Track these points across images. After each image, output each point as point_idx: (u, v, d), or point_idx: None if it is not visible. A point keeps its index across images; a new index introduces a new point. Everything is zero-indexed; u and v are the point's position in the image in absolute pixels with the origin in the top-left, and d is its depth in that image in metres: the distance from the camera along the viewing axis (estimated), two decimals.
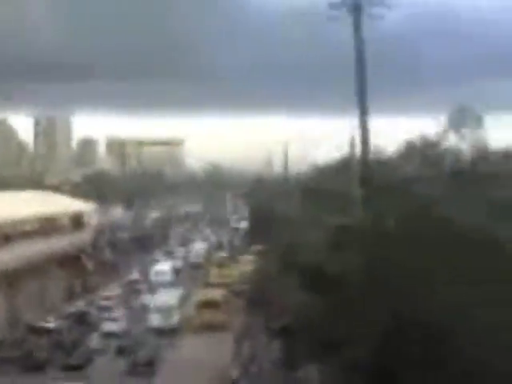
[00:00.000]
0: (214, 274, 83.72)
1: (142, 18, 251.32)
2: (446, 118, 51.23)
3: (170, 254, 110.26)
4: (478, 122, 50.41)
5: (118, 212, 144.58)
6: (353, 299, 27.33)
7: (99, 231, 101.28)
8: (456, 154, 49.50)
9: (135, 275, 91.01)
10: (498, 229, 28.03)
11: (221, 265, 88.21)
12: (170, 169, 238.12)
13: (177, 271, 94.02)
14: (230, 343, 56.00)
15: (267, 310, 32.64)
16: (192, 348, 58.48)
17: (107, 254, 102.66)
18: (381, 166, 51.04)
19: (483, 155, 48.49)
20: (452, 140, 50.09)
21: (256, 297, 35.06)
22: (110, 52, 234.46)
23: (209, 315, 64.26)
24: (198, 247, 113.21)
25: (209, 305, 65.81)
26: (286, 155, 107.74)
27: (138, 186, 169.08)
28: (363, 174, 43.13)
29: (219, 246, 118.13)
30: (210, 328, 62.48)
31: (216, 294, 68.82)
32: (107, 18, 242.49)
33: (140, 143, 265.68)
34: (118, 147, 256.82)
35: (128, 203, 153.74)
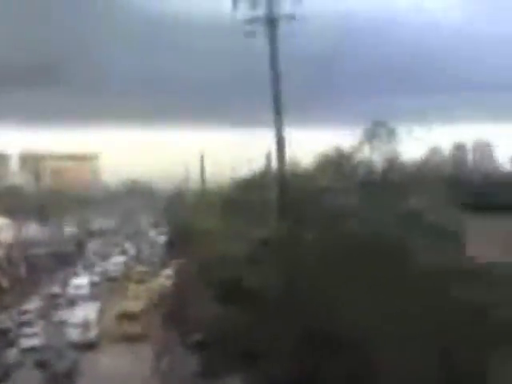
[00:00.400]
0: (133, 288, 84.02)
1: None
2: (360, 131, 52.27)
3: (88, 268, 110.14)
4: (391, 134, 51.57)
5: (32, 228, 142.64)
6: (269, 312, 27.61)
7: (13, 247, 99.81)
8: (369, 165, 50.48)
9: (54, 289, 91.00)
10: (409, 239, 28.72)
11: (139, 279, 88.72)
12: (86, 183, 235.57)
13: (95, 285, 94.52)
14: (149, 355, 56.18)
15: (184, 324, 32.70)
16: (111, 360, 58.51)
17: (23, 270, 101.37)
18: (297, 178, 51.60)
19: (395, 167, 49.59)
20: (366, 152, 51.12)
21: (173, 311, 35.08)
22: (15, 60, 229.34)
23: (128, 327, 65.04)
24: (117, 261, 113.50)
25: (128, 317, 66.91)
26: (203, 169, 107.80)
27: (53, 201, 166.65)
28: (279, 186, 43.55)
29: (138, 260, 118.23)
30: (129, 339, 62.98)
31: (135, 305, 69.46)
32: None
33: (54, 158, 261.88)
34: (31, 162, 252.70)
35: (43, 218, 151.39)
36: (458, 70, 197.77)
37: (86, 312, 69.64)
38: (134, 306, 70.02)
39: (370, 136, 52.90)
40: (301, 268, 27.69)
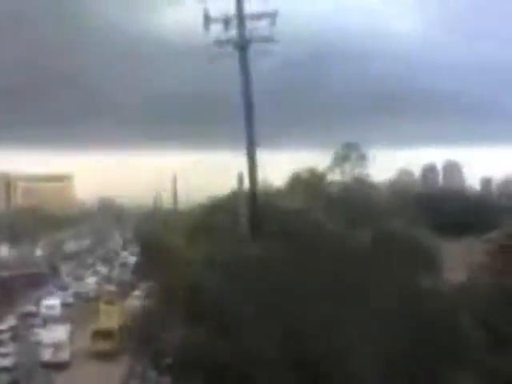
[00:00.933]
0: (104, 308, 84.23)
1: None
2: (332, 153, 52.78)
3: (60, 289, 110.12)
4: (362, 157, 52.11)
5: (3, 249, 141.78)
6: (242, 331, 27.58)
7: None
8: (340, 186, 50.89)
9: (27, 309, 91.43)
10: (381, 258, 28.89)
11: (110, 300, 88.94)
12: (60, 204, 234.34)
13: (69, 306, 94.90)
14: (122, 372, 56.46)
15: (153, 346, 32.54)
16: (85, 379, 58.54)
17: None
18: (269, 199, 51.76)
19: (366, 188, 50.03)
20: (337, 173, 51.56)
21: (142, 333, 34.88)
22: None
23: (102, 344, 65.46)
24: (89, 282, 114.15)
25: (102, 334, 67.77)
26: (175, 190, 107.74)
27: (25, 222, 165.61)
28: (251, 206, 43.61)
29: (109, 281, 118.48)
30: (104, 357, 63.40)
31: (109, 323, 69.82)
32: None
33: (28, 179, 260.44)
34: (3, 182, 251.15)
35: (14, 240, 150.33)
36: (427, 95, 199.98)
37: (58, 332, 69.99)
38: (108, 323, 70.51)
39: (341, 158, 53.42)
40: (273, 287, 27.71)
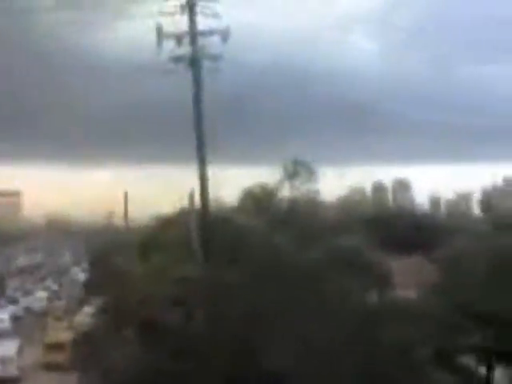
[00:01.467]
0: (53, 324, 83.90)
1: None
2: (282, 169, 52.93)
3: (10, 303, 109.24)
4: (311, 173, 52.37)
5: None
6: (194, 351, 27.43)
7: None
8: (290, 203, 51.03)
9: None
10: (335, 277, 28.96)
11: (58, 316, 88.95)
12: (8, 220, 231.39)
13: (17, 319, 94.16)
14: None
15: (101, 365, 32.22)
16: None
17: None
18: (220, 216, 51.65)
19: (315, 205, 50.26)
20: (286, 190, 51.71)
21: (90, 350, 34.53)
22: None
23: (54, 357, 65.49)
24: (39, 296, 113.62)
25: (54, 347, 67.61)
26: (126, 206, 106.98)
27: None
28: (203, 224, 43.48)
29: (58, 297, 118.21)
30: (56, 370, 63.33)
31: (62, 336, 69.68)
32: None
33: None
34: None
35: None
36: (378, 114, 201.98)
37: (7, 347, 69.26)
38: (60, 336, 70.39)
39: (291, 174, 53.63)
40: (224, 307, 27.61)
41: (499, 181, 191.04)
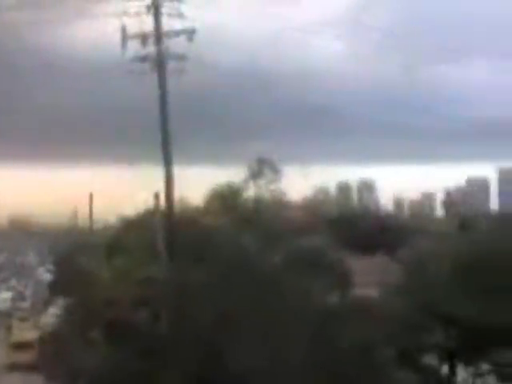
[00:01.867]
0: (17, 324, 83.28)
1: None
2: (246, 169, 53.07)
3: None
4: (276, 172, 52.55)
5: None
6: (160, 351, 27.47)
7: None
8: (255, 203, 51.16)
9: None
10: (299, 277, 29.16)
11: (23, 316, 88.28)
12: None
13: None
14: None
15: (66, 365, 32.17)
16: None
17: None
18: (186, 216, 51.66)
19: (280, 205, 50.42)
20: (252, 190, 51.84)
21: (55, 353, 34.40)
22: None
23: (21, 356, 65.28)
24: (3, 297, 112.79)
25: (19, 347, 67.07)
26: (91, 207, 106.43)
27: None
28: (168, 224, 43.46)
29: (23, 298, 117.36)
30: (20, 369, 62.78)
31: (27, 336, 69.19)
32: None
33: None
34: None
35: None
36: (344, 115, 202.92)
37: None
38: (26, 337, 69.86)
39: (255, 173, 53.78)
40: (189, 308, 27.69)
41: (462, 181, 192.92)
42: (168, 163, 43.64)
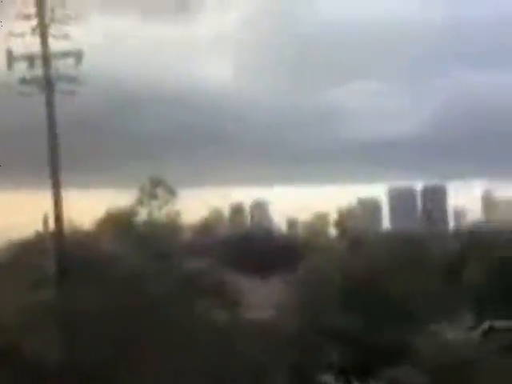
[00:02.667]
0: None
1: None
2: (139, 191, 52.46)
3: None
4: (171, 194, 52.14)
5: None
6: (50, 376, 26.85)
7: None
8: (147, 225, 50.62)
9: None
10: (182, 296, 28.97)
11: None
12: None
13: None
14: None
15: None
16: None
17: None
18: (76, 241, 50.74)
19: (173, 227, 50.05)
20: (145, 211, 51.25)
21: None
22: None
23: None
24: None
25: None
26: None
27: None
28: (58, 249, 42.55)
29: None
30: None
31: None
32: None
33: None
34: None
35: None
36: (230, 137, 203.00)
37: None
38: None
39: (149, 195, 53.22)
40: (82, 334, 27.16)
41: (353, 202, 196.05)
42: (57, 187, 42.73)
